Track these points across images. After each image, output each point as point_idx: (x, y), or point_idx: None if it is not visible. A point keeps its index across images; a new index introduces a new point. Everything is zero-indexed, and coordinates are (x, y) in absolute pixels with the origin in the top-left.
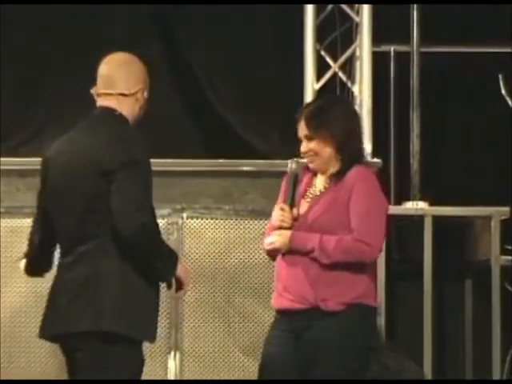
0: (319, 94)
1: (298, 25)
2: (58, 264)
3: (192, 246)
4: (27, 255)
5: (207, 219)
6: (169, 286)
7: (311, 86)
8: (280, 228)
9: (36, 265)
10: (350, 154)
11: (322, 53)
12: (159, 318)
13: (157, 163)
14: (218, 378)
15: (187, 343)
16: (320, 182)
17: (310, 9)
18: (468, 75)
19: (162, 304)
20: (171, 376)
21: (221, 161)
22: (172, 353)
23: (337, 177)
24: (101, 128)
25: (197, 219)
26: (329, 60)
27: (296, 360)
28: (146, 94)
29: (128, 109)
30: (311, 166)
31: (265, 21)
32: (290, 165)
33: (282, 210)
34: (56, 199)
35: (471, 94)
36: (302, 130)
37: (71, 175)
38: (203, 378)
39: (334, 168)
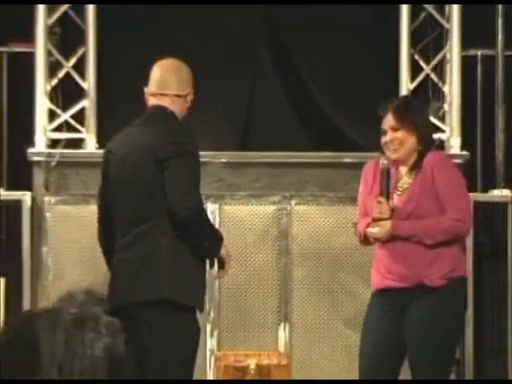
0: (413, 93)
1: (393, 32)
2: (116, 245)
3: (300, 230)
4: (99, 237)
5: (313, 205)
6: (211, 266)
7: (406, 87)
8: (380, 219)
9: (105, 242)
10: (428, 144)
11: (416, 56)
12: (271, 294)
13: (268, 156)
14: (322, 348)
15: (295, 316)
16: (405, 175)
17: (404, 17)
18: None
19: (273, 280)
20: (281, 345)
21: (325, 153)
22: (282, 324)
23: (418, 166)
24: (155, 123)
25: (304, 205)
26: (422, 63)
27: (397, 331)
28: (192, 96)
29: (179, 108)
30: (394, 156)
31: (363, 30)
32: (382, 161)
33: (380, 202)
34: (116, 187)
35: None
36: (389, 121)
37: (130, 165)
38: (310, 347)
39: (413, 158)
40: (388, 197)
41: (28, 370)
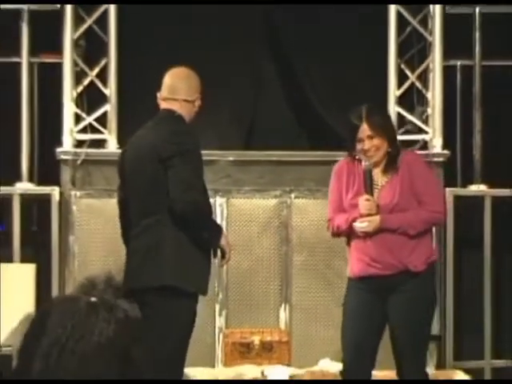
0: (400, 99)
1: (382, 44)
2: (129, 236)
3: (299, 220)
4: (121, 228)
5: (310, 199)
6: (214, 255)
7: (393, 93)
8: (368, 215)
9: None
10: (396, 146)
11: (402, 66)
12: (273, 278)
13: (271, 155)
14: (319, 326)
15: (295, 297)
16: (378, 174)
17: (392, 30)
18: None
19: (275, 266)
20: (282, 323)
21: (321, 152)
22: (283, 305)
23: (393, 166)
24: (162, 125)
25: (302, 199)
26: (407, 72)
27: (376, 313)
28: (199, 101)
29: (187, 111)
30: (373, 160)
31: (358, 45)
32: (364, 163)
33: (368, 200)
34: (128, 183)
35: None
36: (365, 131)
37: (138, 163)
38: (308, 326)
39: (384, 160)
40: (372, 194)
41: (30, 350)
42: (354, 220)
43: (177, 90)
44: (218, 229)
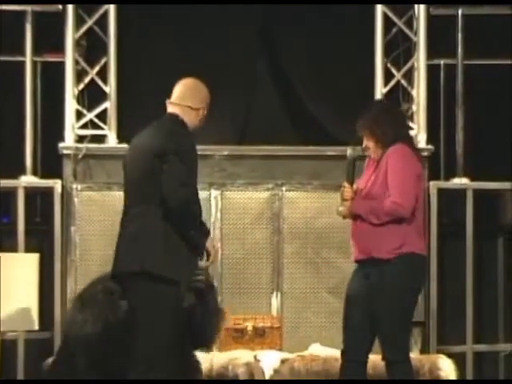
0: (386, 96)
1: (370, 44)
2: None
3: (289, 212)
4: None
5: (301, 192)
6: (200, 256)
7: (380, 90)
8: (344, 200)
9: None
10: (387, 140)
11: (389, 65)
12: (265, 266)
13: (263, 149)
14: (309, 312)
15: (286, 285)
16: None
17: (378, 31)
18: (499, 81)
19: (267, 255)
20: (274, 310)
21: (311, 147)
22: (274, 293)
23: (380, 159)
24: (164, 126)
25: (293, 192)
26: (393, 71)
27: (366, 291)
28: (205, 111)
29: (189, 118)
30: (371, 155)
31: (345, 45)
32: (348, 151)
33: (345, 187)
34: (128, 176)
35: (503, 95)
36: (358, 132)
37: (138, 158)
38: (298, 313)
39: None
40: (352, 182)
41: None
42: None
43: (182, 96)
44: (204, 228)
